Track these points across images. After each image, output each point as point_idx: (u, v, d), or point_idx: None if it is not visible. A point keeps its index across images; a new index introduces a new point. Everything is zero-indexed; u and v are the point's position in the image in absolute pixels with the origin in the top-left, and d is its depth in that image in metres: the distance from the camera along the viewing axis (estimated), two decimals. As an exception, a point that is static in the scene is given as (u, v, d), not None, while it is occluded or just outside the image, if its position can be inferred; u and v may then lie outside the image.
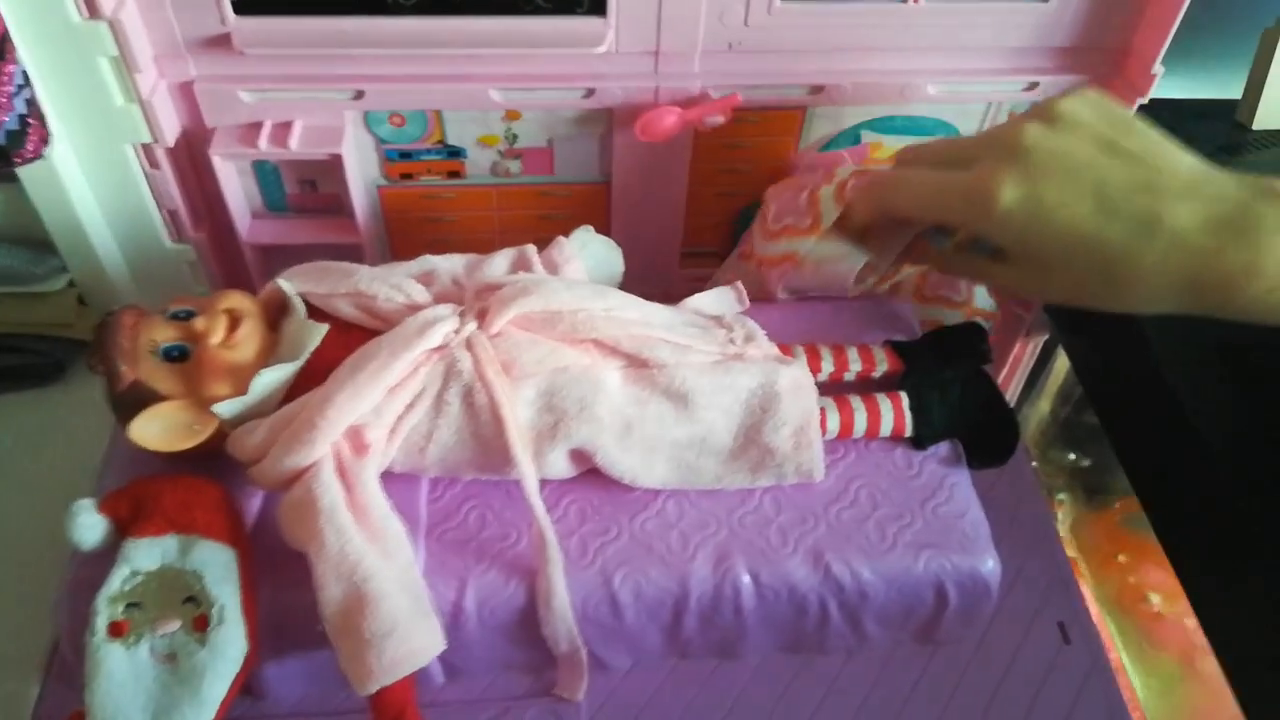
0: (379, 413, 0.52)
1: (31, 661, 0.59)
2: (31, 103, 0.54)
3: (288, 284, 0.55)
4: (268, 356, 0.53)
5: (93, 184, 0.68)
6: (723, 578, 0.56)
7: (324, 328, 0.52)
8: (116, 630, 0.50)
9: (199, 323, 0.52)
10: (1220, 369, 0.69)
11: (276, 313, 0.56)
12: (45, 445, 0.70)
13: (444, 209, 0.76)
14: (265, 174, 0.71)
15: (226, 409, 0.51)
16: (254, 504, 0.55)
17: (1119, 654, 0.89)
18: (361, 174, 0.72)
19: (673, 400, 0.56)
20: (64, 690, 0.57)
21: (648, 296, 0.84)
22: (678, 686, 0.59)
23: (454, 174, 0.73)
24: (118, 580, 0.51)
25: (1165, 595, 0.92)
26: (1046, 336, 0.90)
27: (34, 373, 0.72)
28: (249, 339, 0.52)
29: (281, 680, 0.55)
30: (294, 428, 0.50)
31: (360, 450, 0.51)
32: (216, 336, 0.51)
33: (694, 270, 0.82)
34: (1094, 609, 0.77)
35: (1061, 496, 1.03)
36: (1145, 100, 0.69)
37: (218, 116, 0.67)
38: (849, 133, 0.74)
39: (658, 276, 0.81)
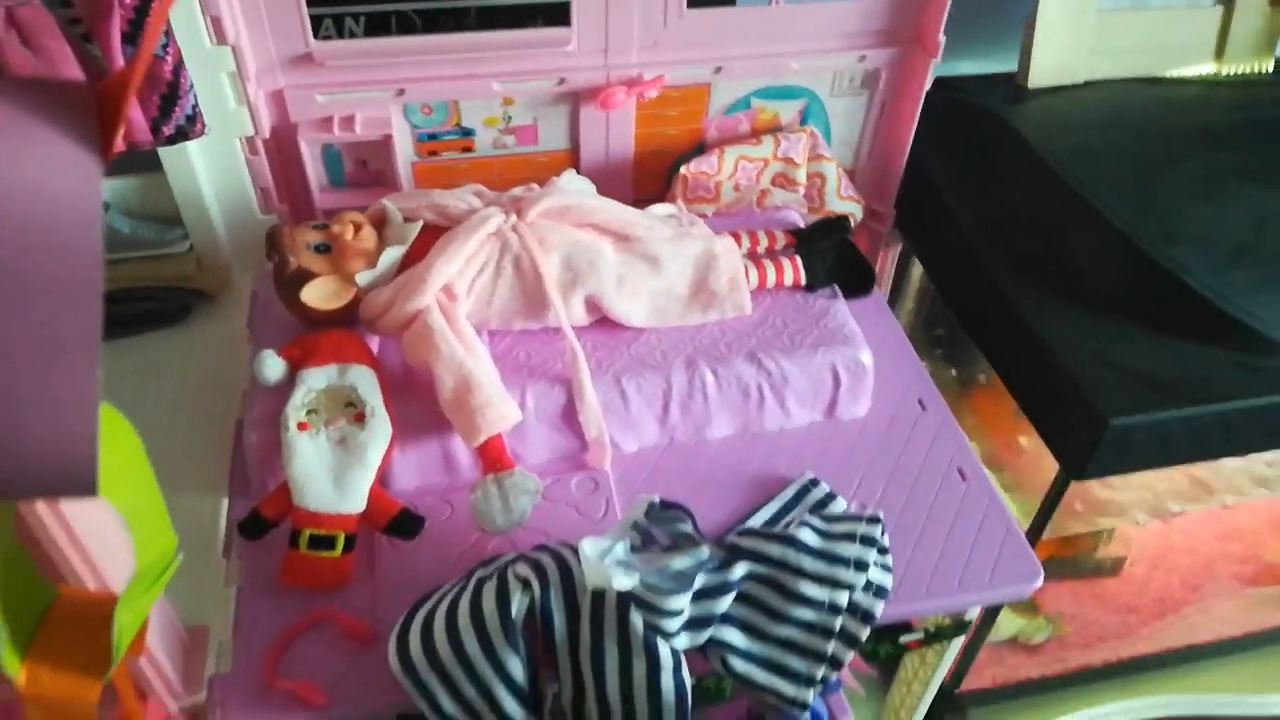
0: (461, 275, 0.79)
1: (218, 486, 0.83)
2: (196, 98, 0.81)
3: (389, 201, 0.82)
4: (382, 247, 0.80)
5: (210, 168, 0.94)
6: (693, 373, 0.84)
7: (420, 223, 0.80)
8: (302, 427, 0.75)
9: (335, 228, 0.79)
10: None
11: (379, 223, 0.83)
12: (181, 368, 0.95)
13: (460, 177, 1.03)
14: (331, 156, 0.98)
15: (364, 278, 0.78)
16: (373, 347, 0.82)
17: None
18: (402, 152, 0.99)
19: (648, 262, 0.85)
20: (244, 501, 0.81)
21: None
22: (669, 459, 0.86)
23: (466, 149, 1.02)
24: (299, 396, 0.76)
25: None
26: (900, 247, 1.22)
27: (166, 315, 0.96)
28: (369, 235, 0.79)
29: (403, 469, 0.81)
30: (410, 284, 0.77)
31: (452, 298, 0.78)
32: (349, 234, 0.78)
33: (641, 213, 1.11)
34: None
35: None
36: (938, 60, 1.02)
37: (300, 114, 0.94)
38: (742, 101, 1.05)
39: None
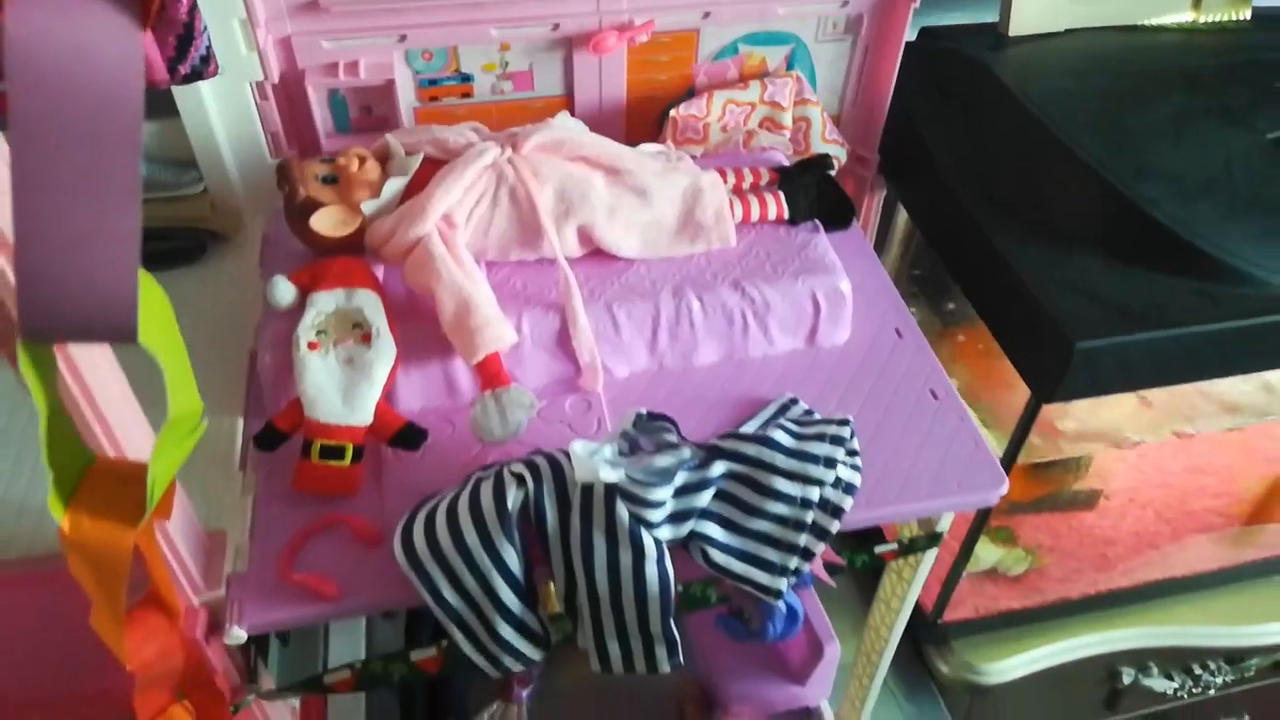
0: (460, 204, 0.84)
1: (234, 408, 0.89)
2: (209, 39, 0.85)
3: (392, 137, 0.87)
4: (386, 178, 0.85)
5: (223, 113, 0.99)
6: (680, 301, 0.89)
7: (420, 156, 0.85)
8: (312, 346, 0.80)
9: (341, 159, 0.84)
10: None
11: (383, 157, 0.87)
12: (197, 304, 1.00)
13: (459, 122, 1.07)
14: (336, 102, 1.03)
15: (369, 207, 0.83)
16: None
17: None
18: (404, 98, 1.04)
19: (637, 194, 0.90)
20: (258, 419, 0.86)
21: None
22: (658, 383, 0.91)
23: (465, 95, 1.06)
24: (309, 318, 0.81)
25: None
26: (885, 193, 1.26)
27: (182, 254, 1.01)
28: (373, 167, 0.84)
29: (407, 392, 0.86)
30: (412, 213, 0.82)
31: (452, 226, 0.83)
32: (354, 166, 0.83)
33: (635, 159, 1.15)
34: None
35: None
36: (916, 5, 1.05)
37: (307, 60, 0.98)
38: (730, 47, 1.09)
39: (610, 164, 1.14)
